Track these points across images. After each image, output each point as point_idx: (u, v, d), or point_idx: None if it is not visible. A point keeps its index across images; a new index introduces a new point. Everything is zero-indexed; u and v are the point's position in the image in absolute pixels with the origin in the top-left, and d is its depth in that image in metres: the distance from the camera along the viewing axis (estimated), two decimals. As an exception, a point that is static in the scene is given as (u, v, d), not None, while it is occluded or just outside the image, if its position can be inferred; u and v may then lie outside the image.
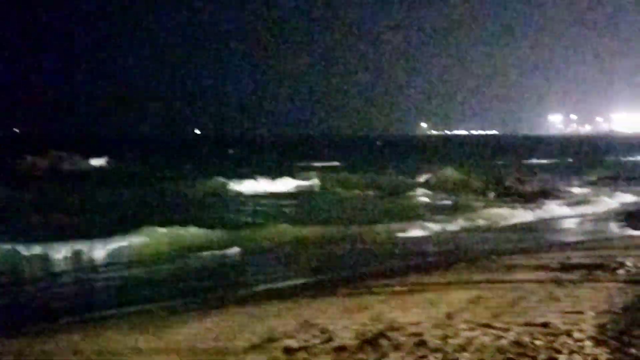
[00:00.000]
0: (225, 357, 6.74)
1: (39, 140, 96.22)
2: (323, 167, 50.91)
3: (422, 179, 38.00)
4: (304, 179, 37.23)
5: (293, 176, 37.64)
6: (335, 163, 60.23)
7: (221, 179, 34.63)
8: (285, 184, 35.01)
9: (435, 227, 19.99)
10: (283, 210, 24.72)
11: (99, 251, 14.96)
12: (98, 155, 55.23)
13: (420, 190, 32.20)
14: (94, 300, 11.65)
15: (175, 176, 39.00)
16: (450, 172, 39.60)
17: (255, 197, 30.07)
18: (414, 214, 23.56)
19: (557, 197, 28.99)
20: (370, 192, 32.12)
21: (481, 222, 21.57)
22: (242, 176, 35.95)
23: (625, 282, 9.65)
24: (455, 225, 20.80)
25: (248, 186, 33.47)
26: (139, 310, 10.34)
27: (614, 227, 20.43)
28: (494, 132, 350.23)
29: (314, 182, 36.78)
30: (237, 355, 6.78)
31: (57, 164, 47.70)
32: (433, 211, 24.38)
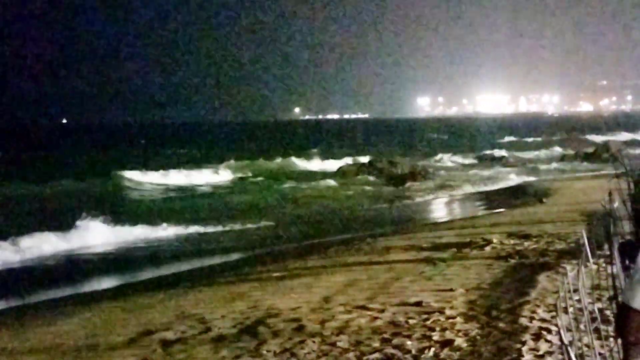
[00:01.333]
0: (99, 354, 6.52)
1: None
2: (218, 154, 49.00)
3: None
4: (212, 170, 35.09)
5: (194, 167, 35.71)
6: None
7: (126, 173, 32.06)
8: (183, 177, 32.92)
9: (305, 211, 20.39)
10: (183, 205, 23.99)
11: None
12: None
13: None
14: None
15: (73, 170, 36.04)
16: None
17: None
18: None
19: (425, 179, 29.93)
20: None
21: (351, 205, 22.04)
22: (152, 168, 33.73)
23: (492, 258, 10.07)
24: (325, 208, 21.25)
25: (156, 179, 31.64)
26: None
27: (475, 207, 21.33)
28: (365, 115, 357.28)
29: (226, 173, 34.99)
30: (112, 351, 6.57)
31: None
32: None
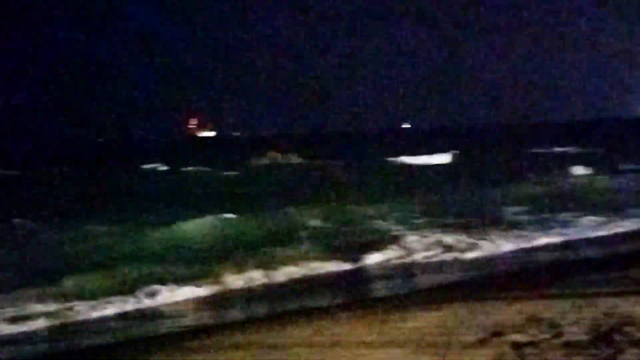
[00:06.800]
0: (452, 351, 6.71)
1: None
2: None
3: None
4: None
5: None
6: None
7: None
8: None
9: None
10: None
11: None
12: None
13: None
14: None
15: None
16: None
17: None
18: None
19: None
20: None
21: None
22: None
23: None
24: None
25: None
26: (357, 301, 10.56)
27: None
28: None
29: None
30: (464, 349, 6.73)
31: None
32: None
